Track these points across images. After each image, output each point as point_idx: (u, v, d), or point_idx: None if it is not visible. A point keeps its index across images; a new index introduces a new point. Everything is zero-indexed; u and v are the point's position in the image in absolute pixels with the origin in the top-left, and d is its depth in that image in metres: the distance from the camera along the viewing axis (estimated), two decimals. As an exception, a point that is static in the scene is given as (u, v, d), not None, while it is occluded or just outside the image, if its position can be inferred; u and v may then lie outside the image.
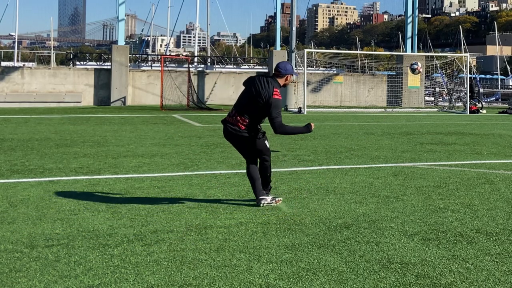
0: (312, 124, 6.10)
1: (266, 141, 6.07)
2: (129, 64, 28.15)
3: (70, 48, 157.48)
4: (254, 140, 5.94)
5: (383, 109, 28.20)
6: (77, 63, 33.94)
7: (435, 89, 39.46)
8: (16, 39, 60.82)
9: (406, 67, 31.06)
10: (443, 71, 36.60)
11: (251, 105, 5.84)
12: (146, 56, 41.99)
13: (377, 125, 17.97)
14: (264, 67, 34.30)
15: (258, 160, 6.17)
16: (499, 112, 27.44)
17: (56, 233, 4.98)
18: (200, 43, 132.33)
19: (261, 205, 6.00)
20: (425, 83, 34.18)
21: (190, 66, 30.06)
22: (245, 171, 8.29)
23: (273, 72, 6.00)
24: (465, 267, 4.27)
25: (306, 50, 26.67)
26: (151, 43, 72.39)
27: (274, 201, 6.08)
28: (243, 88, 6.11)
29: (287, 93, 27.02)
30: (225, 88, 29.81)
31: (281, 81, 5.92)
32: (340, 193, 6.90)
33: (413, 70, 20.58)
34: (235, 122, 5.91)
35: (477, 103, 29.41)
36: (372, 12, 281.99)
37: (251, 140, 5.94)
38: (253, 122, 5.89)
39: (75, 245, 4.64)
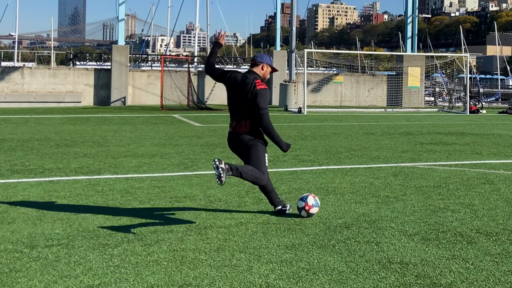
0: (290, 146, 5.60)
1: (266, 155, 5.51)
2: (129, 64, 28.15)
3: (70, 48, 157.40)
4: (255, 145, 5.40)
5: (383, 109, 28.20)
6: (77, 63, 33.92)
7: (435, 89, 39.47)
8: (16, 39, 60.78)
9: (406, 67, 31.08)
10: (443, 71, 36.60)
11: (241, 105, 5.37)
12: (146, 56, 41.98)
13: (377, 125, 17.97)
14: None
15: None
16: (499, 112, 27.45)
17: (56, 233, 4.98)
18: (200, 43, 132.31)
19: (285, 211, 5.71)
20: (425, 83, 34.18)
21: (190, 66, 30.06)
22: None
23: (250, 63, 5.58)
24: (465, 267, 4.27)
25: (306, 50, 26.65)
26: (151, 43, 72.40)
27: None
28: None
29: (287, 93, 27.03)
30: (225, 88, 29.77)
31: (258, 71, 5.44)
32: (340, 193, 6.90)
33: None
34: (238, 126, 5.43)
35: (477, 103, 29.41)
36: (372, 12, 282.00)
37: (250, 143, 5.39)
38: (254, 123, 5.39)
39: (75, 245, 4.64)
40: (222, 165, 4.98)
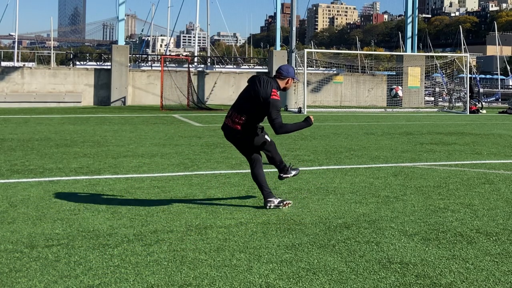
0: (311, 117, 6.09)
1: (266, 136, 6.02)
2: (129, 64, 28.14)
3: (70, 48, 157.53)
4: (253, 138, 5.92)
5: (383, 109, 28.20)
6: (77, 63, 33.91)
7: (435, 89, 39.46)
8: (16, 39, 60.85)
9: (406, 67, 31.08)
10: (443, 71, 36.60)
11: (249, 104, 5.82)
12: (146, 56, 41.97)
13: (377, 125, 17.97)
14: (264, 67, 34.29)
15: (264, 154, 6.16)
16: (499, 112, 27.44)
17: (56, 233, 4.98)
18: (200, 43, 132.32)
19: (268, 207, 5.95)
20: (425, 83, 34.17)
21: (190, 66, 30.06)
22: (245, 170, 8.30)
23: (275, 73, 6.03)
24: (465, 267, 4.27)
25: (306, 50, 26.66)
26: (151, 43, 72.37)
27: (282, 204, 6.01)
28: (243, 88, 6.14)
29: (287, 93, 27.03)
30: (225, 88, 29.81)
31: (282, 83, 5.94)
32: (340, 193, 6.90)
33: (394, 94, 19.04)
34: (233, 122, 5.89)
35: (477, 103, 29.42)
36: (372, 12, 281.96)
37: (249, 139, 5.91)
38: (251, 121, 5.85)
39: (75, 245, 4.64)
40: (291, 173, 6.26)
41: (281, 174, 6.25)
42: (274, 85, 5.82)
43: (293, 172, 6.30)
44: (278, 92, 5.86)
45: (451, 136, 14.29)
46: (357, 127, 16.85)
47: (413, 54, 31.52)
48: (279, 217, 5.65)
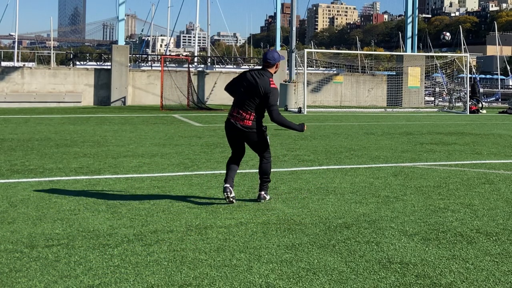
0: (305, 126, 6.28)
1: (267, 137, 6.23)
2: (129, 64, 28.14)
3: (70, 48, 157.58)
4: (262, 135, 6.11)
5: (383, 109, 28.19)
6: (77, 63, 33.92)
7: (435, 89, 39.44)
8: (16, 39, 60.85)
9: (406, 67, 31.06)
10: (443, 71, 36.59)
11: (252, 99, 6.01)
12: (146, 56, 41.98)
13: (377, 125, 17.96)
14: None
15: (259, 157, 6.32)
16: (499, 112, 27.43)
17: (56, 233, 4.98)
18: (200, 43, 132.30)
19: (224, 188, 6.10)
20: (425, 83, 34.15)
21: (190, 66, 30.05)
22: (245, 170, 8.31)
23: (263, 63, 6.21)
24: (465, 267, 4.27)
25: (306, 50, 26.64)
26: (151, 43, 72.32)
27: (229, 199, 6.09)
28: None
29: (287, 93, 27.04)
30: (225, 88, 29.77)
31: (272, 70, 6.17)
32: (340, 193, 6.90)
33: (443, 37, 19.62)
34: (242, 119, 6.03)
35: (477, 103, 29.42)
36: (372, 12, 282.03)
37: (258, 136, 6.09)
38: (258, 115, 6.06)
39: (75, 245, 4.64)
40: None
41: (263, 193, 6.31)
42: (269, 75, 6.10)
43: (268, 197, 6.39)
44: (273, 79, 6.13)
45: (451, 136, 14.29)
46: (357, 127, 16.85)
47: (413, 54, 31.51)
48: (279, 217, 5.66)
